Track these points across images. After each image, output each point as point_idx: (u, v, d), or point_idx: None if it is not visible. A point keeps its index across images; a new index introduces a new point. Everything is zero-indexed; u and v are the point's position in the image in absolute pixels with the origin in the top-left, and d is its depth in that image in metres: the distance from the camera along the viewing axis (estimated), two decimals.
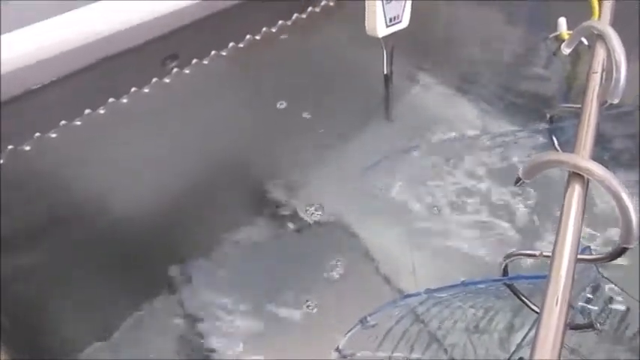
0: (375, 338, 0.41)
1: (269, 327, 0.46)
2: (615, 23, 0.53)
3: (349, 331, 0.43)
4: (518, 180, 0.35)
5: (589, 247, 0.41)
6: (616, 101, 0.45)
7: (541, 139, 0.58)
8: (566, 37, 0.67)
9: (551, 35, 0.70)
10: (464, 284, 0.39)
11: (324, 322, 0.46)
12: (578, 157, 0.34)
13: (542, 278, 0.31)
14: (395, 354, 0.41)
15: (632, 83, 0.58)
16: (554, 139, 0.57)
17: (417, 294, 0.41)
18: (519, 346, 0.42)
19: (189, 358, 0.45)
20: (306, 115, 0.64)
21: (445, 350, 0.42)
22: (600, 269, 0.45)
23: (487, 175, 0.56)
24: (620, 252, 0.33)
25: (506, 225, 0.52)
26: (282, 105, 0.65)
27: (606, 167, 0.49)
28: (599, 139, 0.55)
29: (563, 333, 0.26)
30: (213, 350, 0.45)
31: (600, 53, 0.44)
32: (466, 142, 0.59)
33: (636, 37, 0.65)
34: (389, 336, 0.41)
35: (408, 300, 0.41)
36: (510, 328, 0.43)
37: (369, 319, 0.42)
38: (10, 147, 0.58)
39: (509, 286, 0.40)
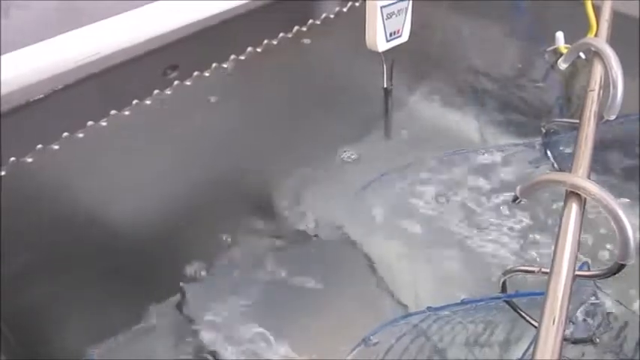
0: (377, 355, 0.42)
1: (269, 339, 0.47)
2: (613, 37, 0.53)
3: (352, 351, 0.43)
4: (515, 198, 0.35)
5: (587, 262, 0.41)
6: (613, 117, 0.46)
7: (538, 153, 0.59)
8: (563, 50, 0.68)
9: (549, 49, 0.70)
10: (463, 302, 0.40)
11: (325, 334, 0.47)
12: (576, 176, 0.34)
13: (540, 295, 0.31)
14: None
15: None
16: (548, 153, 0.57)
17: (418, 312, 0.42)
18: None
19: None
20: (305, 128, 0.64)
21: None
22: (598, 283, 0.46)
23: (486, 189, 0.56)
24: (617, 269, 0.34)
25: (505, 239, 0.52)
26: (281, 118, 0.65)
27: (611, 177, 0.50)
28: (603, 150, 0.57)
29: (560, 351, 0.27)
30: None
31: (597, 71, 0.44)
32: (465, 156, 0.59)
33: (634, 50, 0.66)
34: (390, 353, 0.42)
35: (409, 318, 0.42)
36: (510, 340, 0.44)
37: (371, 337, 0.42)
38: (12, 159, 0.59)
39: (508, 302, 0.41)
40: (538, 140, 0.60)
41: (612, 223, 0.33)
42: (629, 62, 0.49)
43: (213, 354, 0.45)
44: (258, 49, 0.74)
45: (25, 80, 0.58)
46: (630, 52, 0.65)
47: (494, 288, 0.43)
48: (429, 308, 0.41)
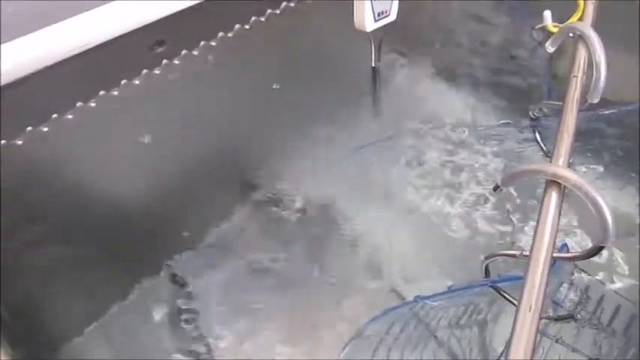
0: (370, 345, 0.43)
1: (257, 315, 0.48)
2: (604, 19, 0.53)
3: (347, 344, 0.44)
4: (496, 187, 0.36)
5: (566, 244, 0.43)
6: (595, 101, 0.46)
7: (526, 133, 0.59)
8: (551, 29, 0.68)
9: (537, 27, 0.70)
10: (451, 290, 0.41)
11: (316, 308, 0.48)
12: (555, 165, 0.35)
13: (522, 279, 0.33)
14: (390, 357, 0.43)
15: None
16: (536, 134, 0.58)
17: (408, 302, 0.43)
18: None
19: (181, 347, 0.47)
20: (294, 105, 0.65)
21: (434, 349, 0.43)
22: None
23: (471, 166, 0.57)
24: (596, 250, 0.35)
25: (487, 215, 0.53)
26: (270, 95, 0.65)
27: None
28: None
29: (535, 338, 0.28)
30: (204, 339, 0.47)
31: (581, 55, 0.45)
32: (450, 134, 0.60)
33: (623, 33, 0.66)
34: (383, 342, 0.43)
35: (399, 309, 0.43)
36: (487, 320, 0.45)
37: (365, 330, 0.44)
38: (2, 141, 0.59)
39: (493, 286, 0.42)
40: (526, 120, 0.60)
41: (592, 209, 0.34)
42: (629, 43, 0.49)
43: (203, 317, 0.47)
44: (246, 27, 0.73)
45: (18, 73, 0.57)
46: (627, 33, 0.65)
47: (472, 253, 0.44)
48: (417, 297, 0.43)
